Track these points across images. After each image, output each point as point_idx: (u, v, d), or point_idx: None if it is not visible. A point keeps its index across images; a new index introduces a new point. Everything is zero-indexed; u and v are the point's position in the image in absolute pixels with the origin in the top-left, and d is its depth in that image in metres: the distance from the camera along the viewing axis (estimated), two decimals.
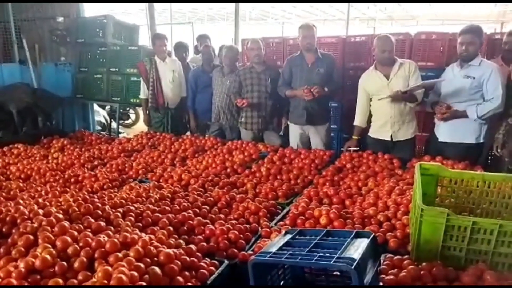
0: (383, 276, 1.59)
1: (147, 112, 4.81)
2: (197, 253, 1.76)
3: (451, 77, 3.16)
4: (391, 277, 1.57)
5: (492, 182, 1.91)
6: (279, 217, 2.31)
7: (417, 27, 17.38)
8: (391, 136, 3.41)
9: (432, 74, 3.39)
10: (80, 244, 1.61)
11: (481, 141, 3.18)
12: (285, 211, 2.39)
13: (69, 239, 1.61)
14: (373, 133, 3.55)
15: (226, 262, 1.75)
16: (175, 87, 4.66)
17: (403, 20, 19.19)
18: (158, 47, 4.58)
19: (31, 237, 1.66)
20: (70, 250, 1.57)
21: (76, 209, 1.98)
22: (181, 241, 1.85)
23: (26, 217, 1.85)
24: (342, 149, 3.69)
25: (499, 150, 3.18)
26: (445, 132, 3.25)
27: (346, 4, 10.84)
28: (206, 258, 1.76)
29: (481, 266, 1.58)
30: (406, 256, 1.75)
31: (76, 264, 1.51)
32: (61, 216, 1.85)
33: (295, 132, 3.97)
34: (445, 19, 17.18)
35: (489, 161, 3.62)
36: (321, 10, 17.39)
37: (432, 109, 3.32)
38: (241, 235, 2.02)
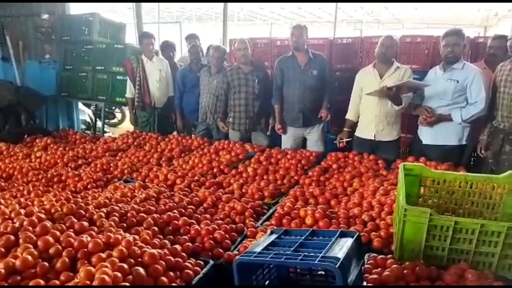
0: (367, 275, 1.60)
1: (134, 111, 4.76)
2: (182, 254, 1.75)
3: (434, 80, 3.21)
4: (375, 276, 1.58)
5: (474, 182, 1.94)
6: (265, 217, 2.32)
7: (403, 30, 17.66)
8: (374, 135, 3.46)
9: (417, 77, 3.43)
10: (63, 245, 1.58)
11: (464, 143, 3.24)
12: (271, 211, 2.39)
13: (51, 239, 1.58)
14: (358, 132, 3.60)
15: (211, 262, 1.75)
16: (162, 86, 4.63)
17: (390, 24, 19.44)
18: (145, 45, 4.54)
19: (12, 237, 1.62)
20: (52, 250, 1.54)
21: (59, 209, 1.94)
22: (166, 241, 1.83)
23: (7, 217, 1.81)
24: (335, 141, 3.77)
25: (483, 152, 3.25)
26: (428, 134, 3.30)
27: (333, 6, 10.95)
28: (191, 259, 1.75)
29: (462, 265, 1.61)
30: (389, 256, 1.77)
31: (58, 265, 1.48)
32: (43, 216, 1.82)
33: (289, 134, 3.93)
34: (431, 23, 17.47)
35: (472, 163, 3.69)
36: (309, 12, 17.47)
37: (414, 111, 3.38)
38: (227, 235, 2.02)
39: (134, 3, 6.95)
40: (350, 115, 3.62)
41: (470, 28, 16.51)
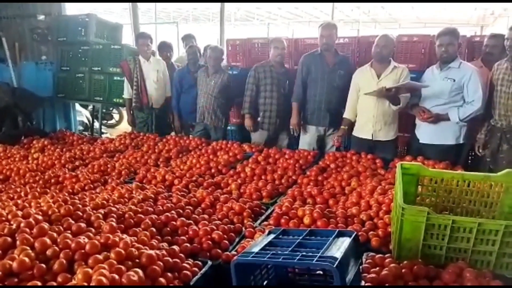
0: (365, 274, 1.60)
1: (131, 112, 4.75)
2: (180, 254, 1.75)
3: (430, 79, 3.22)
4: (373, 275, 1.58)
5: (471, 181, 1.95)
6: (263, 217, 2.31)
7: (400, 30, 17.72)
8: (372, 134, 3.46)
9: (414, 76, 3.44)
10: (60, 246, 1.57)
11: (461, 141, 3.25)
12: (269, 211, 2.39)
13: (48, 240, 1.57)
14: (356, 131, 3.61)
15: (210, 262, 1.74)
16: (160, 87, 4.62)
17: (386, 23, 19.50)
18: (141, 46, 4.53)
19: (9, 239, 1.61)
20: (49, 252, 1.53)
21: (56, 210, 1.93)
22: (164, 244, 1.83)
23: (4, 218, 1.80)
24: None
25: (480, 150, 3.26)
26: (425, 133, 3.30)
27: (330, 6, 10.97)
28: (189, 259, 1.75)
29: (460, 264, 1.61)
30: (387, 255, 1.77)
31: (55, 266, 1.47)
32: (40, 217, 1.81)
33: (312, 134, 3.89)
34: (427, 22, 17.53)
35: (469, 161, 3.70)
36: (306, 12, 17.50)
37: (411, 110, 3.38)
38: (225, 236, 2.01)
39: (131, 4, 6.93)
40: (348, 114, 3.62)
41: (466, 27, 16.58)
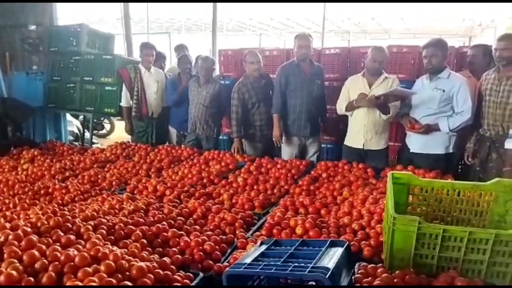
0: (357, 284, 1.60)
1: (129, 120, 4.72)
2: (171, 266, 1.73)
3: (420, 89, 3.26)
4: (365, 285, 1.58)
5: (461, 190, 1.96)
6: (255, 227, 2.30)
7: (389, 41, 17.97)
8: (363, 144, 3.49)
9: (403, 86, 3.48)
10: (49, 259, 1.55)
11: (451, 151, 3.28)
12: (261, 221, 2.38)
13: (36, 253, 1.55)
14: (347, 141, 3.63)
15: (201, 274, 1.72)
16: (159, 97, 4.63)
17: (376, 34, 19.77)
18: (145, 56, 4.53)
19: None
20: (37, 265, 1.51)
21: (45, 222, 1.91)
22: (155, 255, 1.81)
23: None
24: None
25: (470, 159, 3.30)
26: (416, 143, 3.33)
27: (321, 17, 11.10)
28: (181, 271, 1.73)
29: (452, 273, 1.61)
30: (380, 265, 1.77)
31: (44, 280, 1.45)
32: (29, 229, 1.78)
33: (294, 144, 3.89)
34: (417, 33, 17.80)
35: (459, 170, 3.73)
36: (297, 23, 17.68)
37: (401, 120, 3.42)
38: (217, 247, 2.00)
39: (123, 14, 6.94)
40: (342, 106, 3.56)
41: (455, 38, 16.87)
